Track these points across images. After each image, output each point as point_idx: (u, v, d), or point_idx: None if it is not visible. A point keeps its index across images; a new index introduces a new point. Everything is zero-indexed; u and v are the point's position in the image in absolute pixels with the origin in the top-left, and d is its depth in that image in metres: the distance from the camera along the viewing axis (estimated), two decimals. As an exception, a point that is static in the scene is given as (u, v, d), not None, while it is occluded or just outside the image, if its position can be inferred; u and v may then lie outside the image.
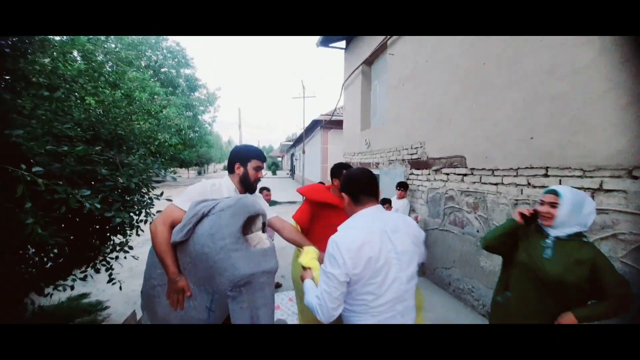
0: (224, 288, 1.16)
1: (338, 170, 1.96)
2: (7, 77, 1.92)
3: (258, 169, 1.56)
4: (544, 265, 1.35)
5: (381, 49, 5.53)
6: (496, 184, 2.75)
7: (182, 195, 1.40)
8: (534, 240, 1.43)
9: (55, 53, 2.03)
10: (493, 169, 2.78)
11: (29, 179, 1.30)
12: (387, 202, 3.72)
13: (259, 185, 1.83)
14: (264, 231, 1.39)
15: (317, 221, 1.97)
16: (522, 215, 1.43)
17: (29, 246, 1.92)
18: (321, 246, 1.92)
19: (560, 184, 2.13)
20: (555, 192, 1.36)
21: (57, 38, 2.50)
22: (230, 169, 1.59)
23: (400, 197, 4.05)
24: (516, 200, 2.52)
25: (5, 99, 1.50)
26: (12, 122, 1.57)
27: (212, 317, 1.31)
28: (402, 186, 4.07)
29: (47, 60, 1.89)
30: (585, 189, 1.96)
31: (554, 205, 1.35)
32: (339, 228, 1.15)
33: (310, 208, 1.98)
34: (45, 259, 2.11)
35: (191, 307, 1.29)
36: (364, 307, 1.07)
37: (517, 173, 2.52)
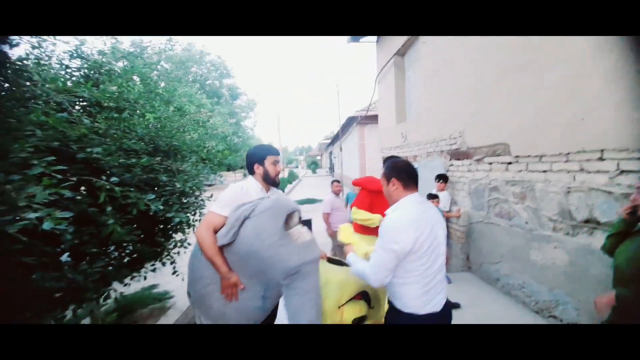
0: (278, 278, 1.36)
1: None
2: (84, 103, 2.33)
3: (275, 163, 1.65)
4: (618, 256, 1.28)
5: (412, 39, 5.36)
6: (544, 172, 2.55)
7: (217, 202, 1.50)
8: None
9: (120, 80, 2.40)
10: (540, 155, 2.58)
11: (108, 187, 1.60)
12: (434, 198, 3.59)
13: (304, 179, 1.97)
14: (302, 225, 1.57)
15: (375, 209, 2.15)
16: (628, 212, 1.35)
17: (110, 246, 2.30)
18: (376, 232, 2.08)
19: (617, 168, 1.93)
20: None
21: (120, 64, 2.94)
22: (250, 170, 1.65)
23: (440, 189, 3.92)
24: (569, 188, 2.32)
25: (86, 123, 1.84)
26: (92, 141, 1.92)
27: (266, 303, 1.46)
28: (442, 178, 3.94)
29: (114, 87, 2.24)
30: (650, 172, 1.75)
31: None
32: (391, 209, 1.35)
33: (369, 196, 2.21)
34: (122, 255, 2.52)
35: (245, 297, 1.43)
36: (413, 279, 1.24)
37: (567, 158, 2.31)
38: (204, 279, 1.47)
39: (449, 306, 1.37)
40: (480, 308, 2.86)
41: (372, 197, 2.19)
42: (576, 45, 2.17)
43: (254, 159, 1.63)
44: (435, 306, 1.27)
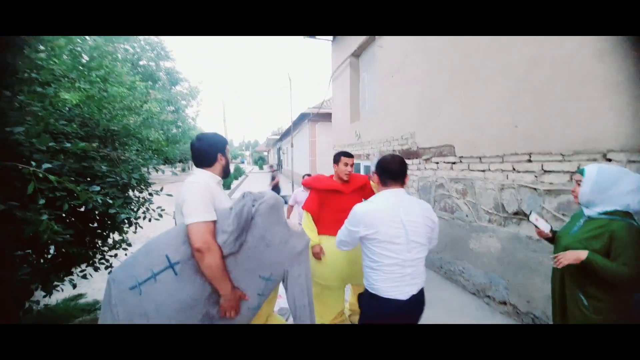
0: (286, 265, 1.40)
1: (337, 156, 2.17)
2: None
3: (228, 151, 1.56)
4: (559, 240, 1.41)
5: (369, 41, 5.59)
6: (483, 171, 2.91)
7: (195, 210, 1.23)
8: (572, 224, 1.45)
9: (50, 48, 1.97)
10: (480, 157, 2.94)
11: (41, 175, 1.30)
12: None
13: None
14: None
15: (325, 207, 2.16)
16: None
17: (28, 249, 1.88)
18: (332, 230, 2.08)
19: (542, 168, 2.31)
20: (581, 171, 1.37)
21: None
22: (210, 162, 1.43)
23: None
24: (502, 185, 2.69)
25: (5, 95, 1.47)
26: (9, 118, 1.54)
27: (261, 300, 1.38)
28: None
29: (43, 55, 1.83)
30: (565, 172, 2.14)
31: (579, 183, 1.36)
32: (368, 200, 1.49)
33: (318, 196, 2.17)
34: (41, 260, 2.08)
35: (243, 302, 1.32)
36: (378, 264, 1.37)
37: (502, 159, 2.68)
38: (178, 306, 1.17)
39: (420, 300, 1.46)
40: (428, 293, 3.15)
41: (321, 196, 2.19)
42: (515, 59, 2.52)
43: (218, 149, 1.44)
44: (401, 295, 1.36)
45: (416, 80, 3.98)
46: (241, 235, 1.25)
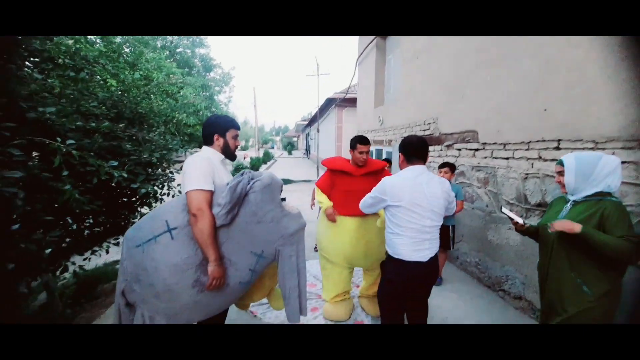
0: (278, 245, 1.45)
1: (353, 142, 2.19)
2: (36, 59, 2.08)
3: (236, 137, 1.58)
4: (547, 226, 1.40)
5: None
6: (507, 158, 2.72)
7: (193, 178, 1.32)
8: (557, 209, 1.50)
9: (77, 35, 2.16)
10: (505, 143, 2.74)
11: (64, 150, 1.47)
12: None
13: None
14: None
15: (336, 187, 2.24)
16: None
17: (67, 216, 2.14)
18: (340, 209, 2.21)
19: (570, 156, 2.11)
20: (560, 162, 1.45)
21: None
22: (207, 140, 1.53)
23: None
24: (526, 174, 2.51)
25: (37, 79, 1.65)
26: (44, 100, 1.73)
27: (253, 276, 1.46)
28: (447, 166, 2.90)
29: (70, 41, 2.01)
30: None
31: (561, 173, 1.44)
32: (394, 174, 1.66)
33: (330, 176, 2.28)
34: (82, 227, 2.36)
35: (233, 274, 1.37)
36: (402, 229, 1.54)
37: (528, 146, 2.48)
38: (172, 268, 1.26)
39: (435, 262, 1.62)
40: (443, 284, 3.09)
41: (333, 177, 2.27)
42: (543, 39, 2.28)
43: (215, 129, 1.52)
44: (422, 258, 1.55)
45: (441, 60, 3.75)
46: (233, 209, 1.31)
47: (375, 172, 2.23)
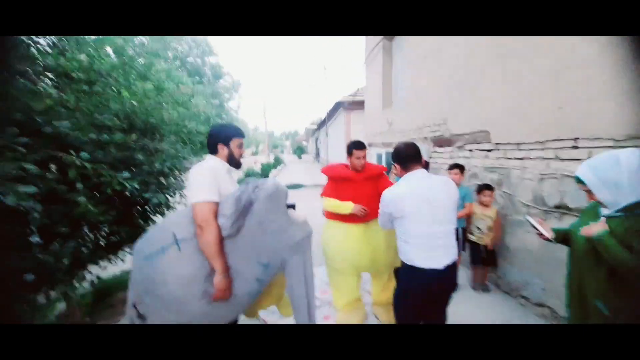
0: (284, 254, 1.44)
1: (349, 148, 2.15)
2: (51, 76, 2.16)
3: (240, 146, 1.56)
4: (577, 238, 1.29)
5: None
6: (522, 159, 2.64)
7: (198, 189, 1.33)
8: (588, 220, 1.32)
9: (90, 49, 2.23)
10: (518, 143, 2.66)
11: (79, 163, 1.51)
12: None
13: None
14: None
15: (339, 194, 2.18)
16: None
17: (83, 227, 2.19)
18: (344, 216, 2.15)
19: (590, 155, 2.01)
20: (578, 180, 1.25)
21: (93, 37, 2.73)
22: (212, 149, 1.52)
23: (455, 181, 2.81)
24: (542, 175, 2.42)
25: (51, 94, 1.71)
26: (59, 115, 1.79)
27: (261, 285, 1.44)
28: (457, 167, 3.00)
29: (82, 56, 2.08)
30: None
31: (589, 193, 1.23)
32: (394, 185, 1.64)
33: (332, 184, 2.23)
34: (98, 237, 2.42)
35: (240, 284, 1.35)
36: (407, 236, 1.51)
37: (544, 146, 2.40)
38: (180, 280, 1.25)
39: (454, 270, 1.55)
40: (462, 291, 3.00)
41: (335, 185, 2.22)
42: (556, 37, 2.20)
43: (218, 139, 1.51)
44: (437, 265, 1.47)
45: (451, 59, 3.68)
46: (239, 219, 1.31)
47: (376, 177, 2.21)
